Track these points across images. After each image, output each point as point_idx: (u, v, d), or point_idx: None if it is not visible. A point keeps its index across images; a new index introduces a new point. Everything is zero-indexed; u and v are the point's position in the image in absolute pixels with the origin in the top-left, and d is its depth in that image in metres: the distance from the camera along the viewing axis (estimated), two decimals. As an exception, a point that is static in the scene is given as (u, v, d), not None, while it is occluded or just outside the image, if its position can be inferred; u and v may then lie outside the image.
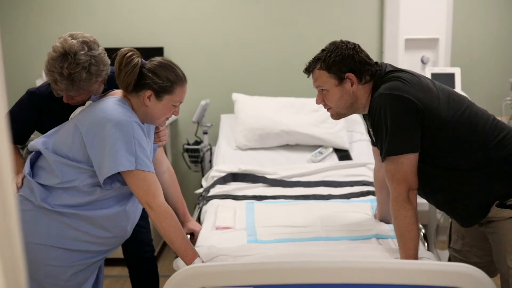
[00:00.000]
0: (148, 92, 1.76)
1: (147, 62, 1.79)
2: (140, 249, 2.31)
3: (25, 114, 2.02)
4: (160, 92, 1.76)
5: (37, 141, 1.82)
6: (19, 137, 2.05)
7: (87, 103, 1.85)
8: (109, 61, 1.88)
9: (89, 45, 1.80)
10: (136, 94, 1.78)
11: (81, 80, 1.77)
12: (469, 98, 3.02)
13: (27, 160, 1.83)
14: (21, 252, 0.63)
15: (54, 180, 1.74)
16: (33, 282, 1.75)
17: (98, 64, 1.81)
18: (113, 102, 1.75)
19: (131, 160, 1.68)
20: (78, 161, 1.73)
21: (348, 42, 1.82)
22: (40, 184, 1.76)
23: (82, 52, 1.77)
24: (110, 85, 1.97)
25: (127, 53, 1.74)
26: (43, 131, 2.03)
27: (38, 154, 1.83)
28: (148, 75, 1.75)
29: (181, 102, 1.84)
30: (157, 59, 1.80)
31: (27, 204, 1.75)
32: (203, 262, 1.71)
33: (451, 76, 3.16)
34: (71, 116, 1.86)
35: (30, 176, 1.78)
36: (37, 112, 2.01)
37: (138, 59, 1.75)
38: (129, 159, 1.67)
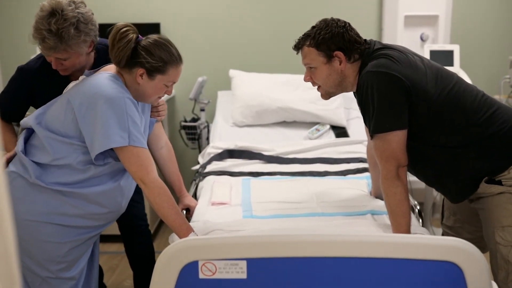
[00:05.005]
0: (141, 70, 1.73)
1: (143, 39, 1.76)
2: (134, 223, 2.33)
3: (17, 91, 2.02)
4: (152, 71, 1.74)
5: (30, 117, 1.81)
6: (14, 115, 2.05)
7: (80, 77, 1.84)
8: (97, 23, 1.89)
9: (76, 4, 1.81)
10: (129, 71, 1.75)
11: (70, 37, 1.78)
12: (468, 76, 3.05)
13: (21, 137, 1.82)
14: (12, 235, 0.62)
15: (47, 157, 1.74)
16: (29, 260, 1.76)
17: (87, 22, 1.82)
18: (106, 78, 1.73)
19: (124, 136, 1.67)
20: (70, 137, 1.72)
21: (339, 20, 1.80)
22: (33, 162, 1.75)
23: (70, 8, 1.78)
24: (103, 58, 1.96)
25: (122, 28, 1.71)
26: (37, 107, 2.03)
27: (31, 131, 1.82)
28: (142, 53, 1.72)
29: (174, 82, 1.81)
30: (153, 37, 1.76)
31: (21, 181, 1.74)
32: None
33: (450, 54, 3.14)
34: (64, 91, 1.85)
35: (23, 153, 1.77)
36: (28, 88, 2.00)
37: (133, 35, 1.71)
38: (121, 135, 1.66)
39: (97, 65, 1.95)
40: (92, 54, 1.99)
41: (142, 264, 2.41)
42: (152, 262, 2.39)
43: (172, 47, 1.78)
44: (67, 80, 1.96)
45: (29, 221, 1.73)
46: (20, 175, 1.75)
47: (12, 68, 2.07)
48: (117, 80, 1.74)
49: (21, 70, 2.01)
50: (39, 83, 1.99)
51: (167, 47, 1.76)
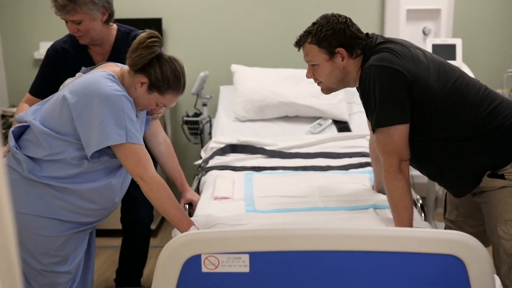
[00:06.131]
0: (144, 79, 1.75)
1: (162, 53, 1.78)
2: (136, 226, 2.42)
3: (45, 68, 2.22)
4: (153, 86, 1.76)
5: (26, 113, 1.82)
6: (44, 92, 2.11)
7: (77, 74, 1.85)
8: None
9: None
10: (133, 75, 1.77)
11: None
12: (470, 70, 3.04)
13: (10, 133, 1.82)
14: (12, 228, 0.62)
15: (42, 152, 1.74)
16: (24, 252, 1.77)
17: None
18: (102, 76, 1.74)
19: (121, 134, 1.67)
20: (65, 134, 1.73)
21: (340, 15, 1.79)
22: (27, 156, 1.75)
23: None
24: (124, 40, 2.12)
25: (153, 37, 1.73)
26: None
27: (22, 128, 1.82)
28: (155, 66, 1.75)
29: (165, 106, 1.84)
30: (171, 57, 1.79)
31: (15, 174, 1.75)
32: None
33: (452, 47, 3.13)
34: (61, 87, 1.85)
35: (16, 148, 1.77)
36: (54, 66, 2.17)
37: (158, 49, 1.74)
38: (119, 133, 1.67)
39: (117, 46, 2.12)
40: (112, 30, 2.17)
41: (133, 262, 2.51)
42: (142, 263, 2.51)
43: (183, 76, 1.81)
44: (89, 58, 2.14)
45: (22, 214, 1.73)
46: (13, 169, 1.76)
47: (14, 61, 2.12)
48: (114, 78, 1.75)
49: (49, 48, 2.21)
50: (65, 63, 2.14)
51: (179, 74, 1.79)
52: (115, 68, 1.83)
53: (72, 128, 1.72)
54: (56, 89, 2.08)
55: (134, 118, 1.73)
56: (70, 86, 1.76)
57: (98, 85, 1.69)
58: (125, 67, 1.81)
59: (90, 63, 2.09)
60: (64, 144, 1.73)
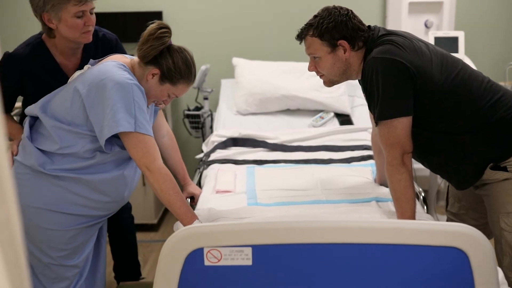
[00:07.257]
0: (155, 70, 1.75)
1: (171, 43, 1.78)
2: (118, 216, 2.34)
3: (5, 79, 1.92)
4: (166, 77, 1.76)
5: (34, 106, 1.81)
6: (4, 105, 2.00)
7: (86, 67, 1.84)
8: None
9: None
10: (144, 66, 1.76)
11: None
12: (473, 62, 3.02)
13: (26, 123, 1.82)
14: (18, 220, 0.62)
15: (53, 146, 1.74)
16: (32, 245, 1.77)
17: None
18: (113, 65, 1.74)
19: (131, 122, 1.67)
20: (76, 125, 1.73)
21: (341, 7, 1.78)
22: (38, 149, 1.75)
23: None
24: (102, 48, 1.99)
25: (163, 28, 1.73)
26: (27, 95, 2.01)
27: (36, 118, 1.82)
28: (166, 57, 1.75)
29: (176, 97, 1.85)
30: (181, 47, 1.80)
31: (25, 168, 1.75)
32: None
33: (454, 40, 3.11)
34: (70, 79, 1.85)
35: (29, 139, 1.77)
36: (18, 76, 1.95)
37: (168, 39, 1.75)
38: (128, 121, 1.66)
39: (87, 50, 1.99)
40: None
41: (124, 254, 2.47)
42: (134, 253, 2.47)
43: (193, 66, 1.82)
44: (57, 68, 1.97)
45: (31, 208, 1.73)
46: (22, 163, 1.76)
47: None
48: (125, 68, 1.75)
49: (9, 57, 1.95)
50: (29, 71, 1.95)
51: (190, 63, 1.80)
52: (125, 59, 1.83)
53: (84, 119, 1.72)
54: (13, 100, 2.02)
55: (145, 108, 1.73)
56: (80, 78, 1.76)
57: (110, 73, 1.69)
58: (135, 59, 1.81)
59: (59, 73, 1.96)
60: (76, 137, 1.73)
